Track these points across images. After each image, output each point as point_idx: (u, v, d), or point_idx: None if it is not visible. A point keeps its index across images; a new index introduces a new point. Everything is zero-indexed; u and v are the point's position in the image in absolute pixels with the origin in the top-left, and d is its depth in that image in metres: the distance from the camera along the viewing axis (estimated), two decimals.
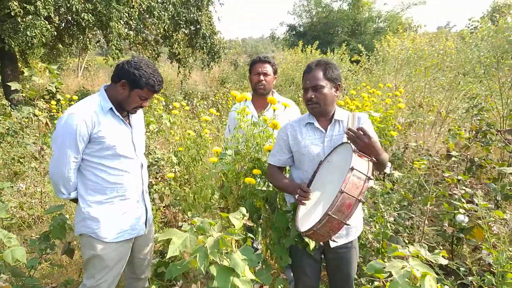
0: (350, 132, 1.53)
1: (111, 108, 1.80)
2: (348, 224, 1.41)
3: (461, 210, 2.31)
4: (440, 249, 2.43)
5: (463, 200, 2.36)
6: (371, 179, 1.42)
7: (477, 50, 4.36)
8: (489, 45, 4.22)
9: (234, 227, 1.48)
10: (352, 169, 1.40)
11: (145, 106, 1.87)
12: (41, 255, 2.08)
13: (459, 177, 2.63)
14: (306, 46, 11.04)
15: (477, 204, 2.20)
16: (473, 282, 1.85)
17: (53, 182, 1.81)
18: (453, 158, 2.89)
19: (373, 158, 1.50)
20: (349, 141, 1.56)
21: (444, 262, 1.36)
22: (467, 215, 2.31)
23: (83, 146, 1.74)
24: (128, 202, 1.90)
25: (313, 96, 1.73)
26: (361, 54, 8.62)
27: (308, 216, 1.55)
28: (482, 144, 3.31)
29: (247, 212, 1.57)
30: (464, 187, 2.51)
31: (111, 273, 1.87)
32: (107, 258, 1.84)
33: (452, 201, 2.42)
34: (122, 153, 1.83)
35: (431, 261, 1.38)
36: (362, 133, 1.51)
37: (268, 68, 2.54)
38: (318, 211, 1.48)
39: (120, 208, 1.87)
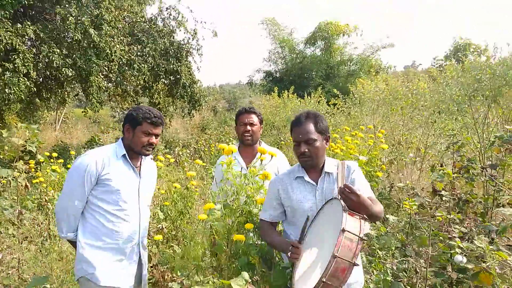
0: (339, 191, 1.50)
1: (124, 155, 1.92)
2: None
3: (457, 250, 2.27)
4: None
5: (458, 239, 2.33)
6: (364, 239, 1.37)
7: (448, 89, 4.60)
8: (459, 84, 4.47)
9: None
10: (343, 230, 1.34)
11: (154, 143, 1.94)
12: None
13: (451, 216, 2.62)
14: (283, 91, 11.39)
15: (472, 242, 2.17)
16: None
17: (56, 218, 1.88)
18: (444, 198, 2.91)
19: (364, 216, 1.46)
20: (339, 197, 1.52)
21: None
22: (465, 255, 2.27)
23: (90, 187, 1.83)
24: (121, 251, 1.90)
25: (306, 150, 1.70)
26: (337, 97, 8.93)
27: (305, 278, 1.46)
28: (467, 180, 3.37)
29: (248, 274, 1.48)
30: (457, 226, 2.49)
31: None
32: None
33: (447, 241, 2.38)
34: (125, 199, 1.89)
35: None
36: (349, 191, 1.46)
37: (254, 118, 2.56)
38: (315, 273, 1.40)
39: (112, 255, 1.88)
